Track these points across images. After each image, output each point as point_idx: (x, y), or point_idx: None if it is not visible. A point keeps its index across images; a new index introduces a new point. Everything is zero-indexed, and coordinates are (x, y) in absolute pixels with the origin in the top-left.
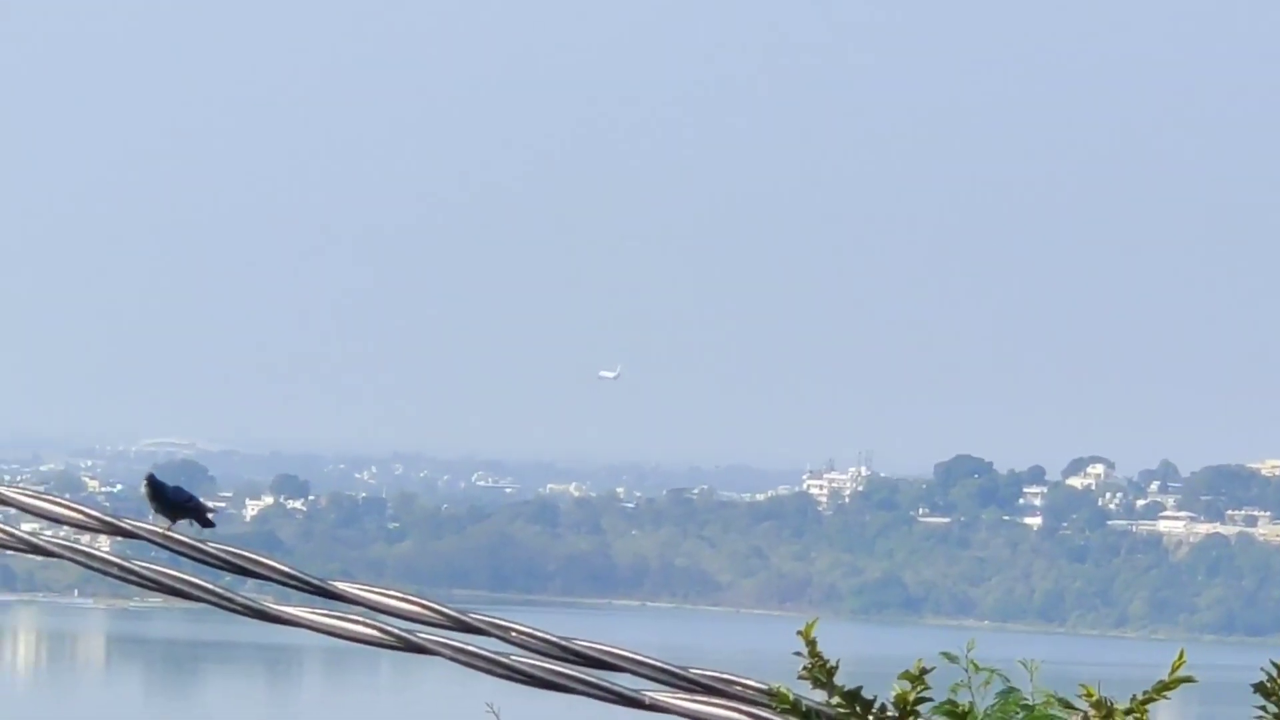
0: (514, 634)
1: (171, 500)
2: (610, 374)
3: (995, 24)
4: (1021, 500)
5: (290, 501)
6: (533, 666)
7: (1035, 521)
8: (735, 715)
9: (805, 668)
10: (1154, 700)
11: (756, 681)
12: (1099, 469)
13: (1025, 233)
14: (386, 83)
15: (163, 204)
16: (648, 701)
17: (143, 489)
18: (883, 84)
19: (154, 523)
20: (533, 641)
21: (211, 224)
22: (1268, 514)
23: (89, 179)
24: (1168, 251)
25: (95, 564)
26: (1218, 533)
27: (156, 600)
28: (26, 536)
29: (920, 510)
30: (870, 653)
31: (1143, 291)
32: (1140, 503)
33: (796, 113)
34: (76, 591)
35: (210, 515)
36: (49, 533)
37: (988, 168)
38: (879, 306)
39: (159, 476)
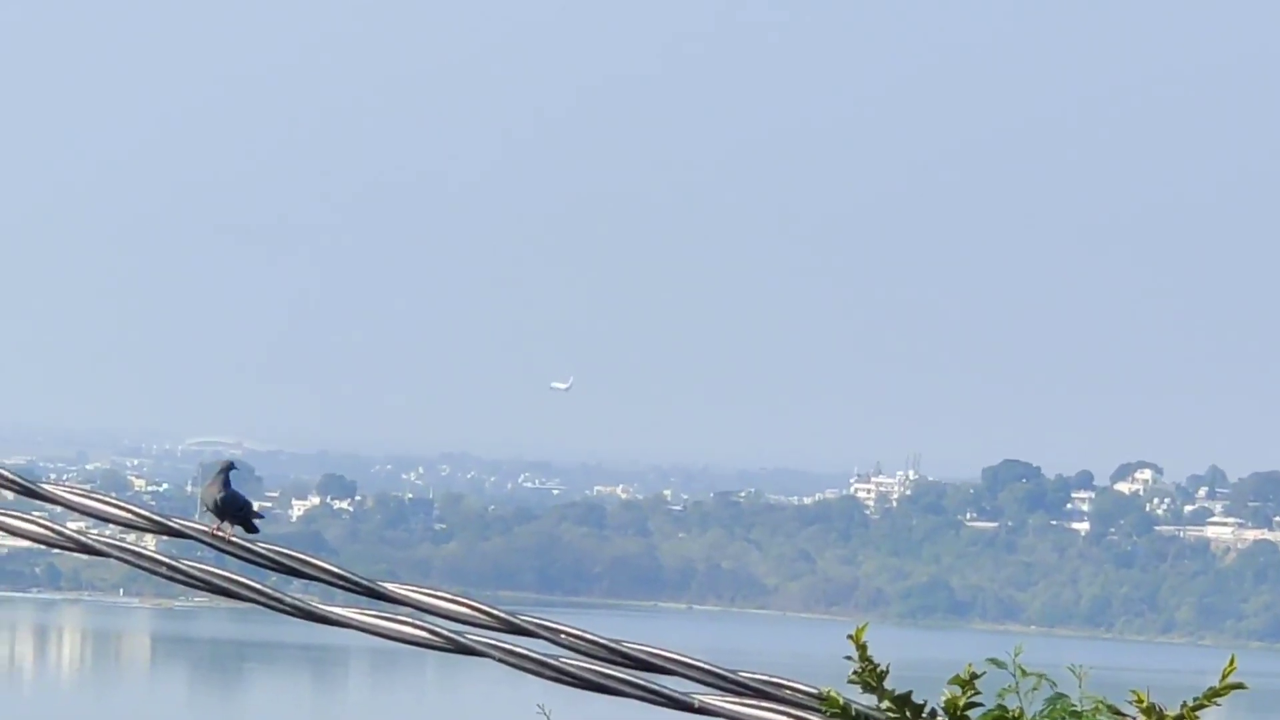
0: (563, 636)
1: (227, 505)
2: (562, 385)
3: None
4: (1069, 505)
5: (337, 502)
6: (581, 669)
7: (1083, 527)
8: (785, 719)
9: (855, 672)
10: (1204, 706)
11: (806, 685)
12: (1147, 474)
13: (1073, 239)
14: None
15: (210, 205)
16: (696, 704)
17: (215, 492)
18: (905, 77)
19: (202, 519)
20: (581, 644)
21: (257, 225)
22: None
23: (135, 179)
24: (1218, 257)
25: (144, 563)
26: (1265, 539)
27: (202, 599)
28: (75, 535)
29: (968, 514)
30: (917, 657)
31: (1192, 298)
32: (1188, 508)
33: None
34: (122, 590)
35: (256, 521)
36: (96, 531)
37: (1030, 172)
38: (927, 311)
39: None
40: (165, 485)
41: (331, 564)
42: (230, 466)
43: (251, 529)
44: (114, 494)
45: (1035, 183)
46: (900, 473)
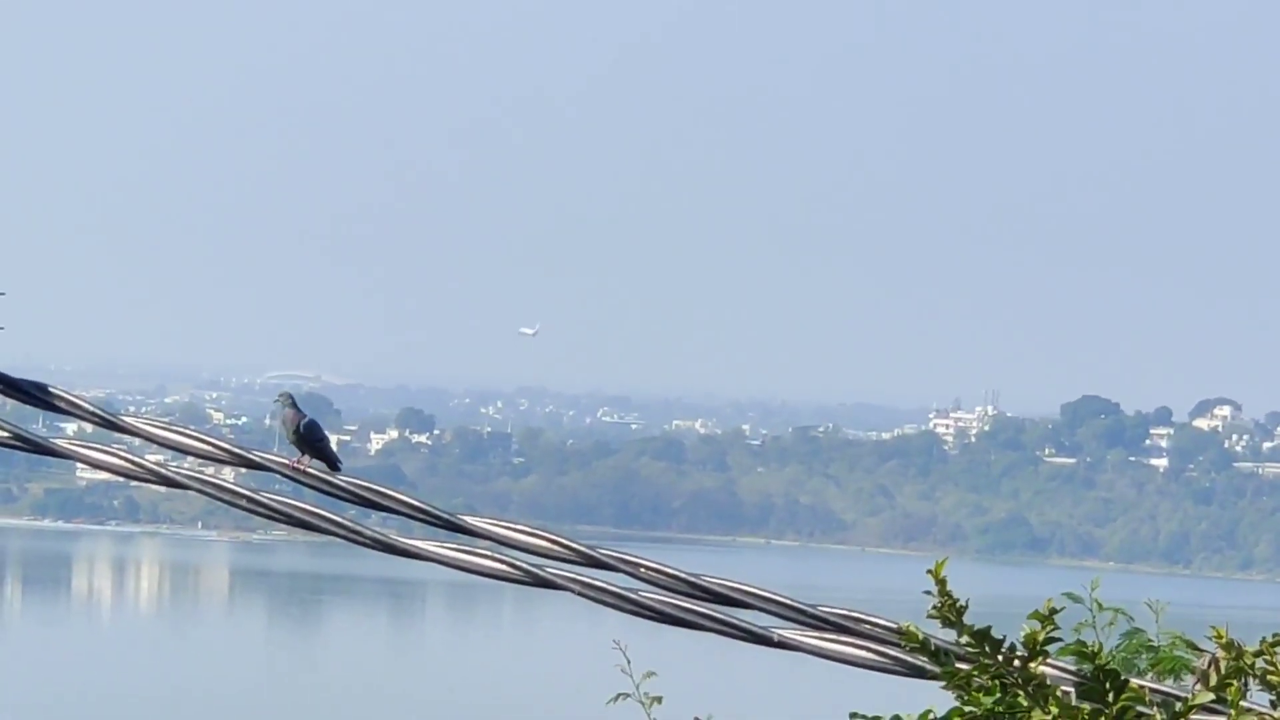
0: (643, 570)
1: (307, 438)
2: (529, 331)
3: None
4: (1148, 441)
5: (415, 436)
6: (661, 603)
7: (1161, 463)
8: (864, 654)
9: (935, 607)
10: None
11: (885, 620)
12: (1226, 411)
13: (1152, 176)
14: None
15: (290, 141)
16: (776, 639)
17: (283, 417)
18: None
19: (282, 451)
20: (661, 578)
21: (338, 163)
22: None
23: (214, 116)
24: None
25: (224, 496)
26: None
27: (280, 533)
28: (155, 468)
29: (1046, 450)
30: (995, 592)
31: (1270, 233)
32: (1267, 445)
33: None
34: (200, 523)
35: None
36: (175, 464)
37: (1123, 111)
38: (1008, 247)
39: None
40: (244, 419)
41: (411, 497)
42: (291, 399)
43: (334, 466)
44: (193, 426)
45: (1128, 120)
46: (979, 408)
